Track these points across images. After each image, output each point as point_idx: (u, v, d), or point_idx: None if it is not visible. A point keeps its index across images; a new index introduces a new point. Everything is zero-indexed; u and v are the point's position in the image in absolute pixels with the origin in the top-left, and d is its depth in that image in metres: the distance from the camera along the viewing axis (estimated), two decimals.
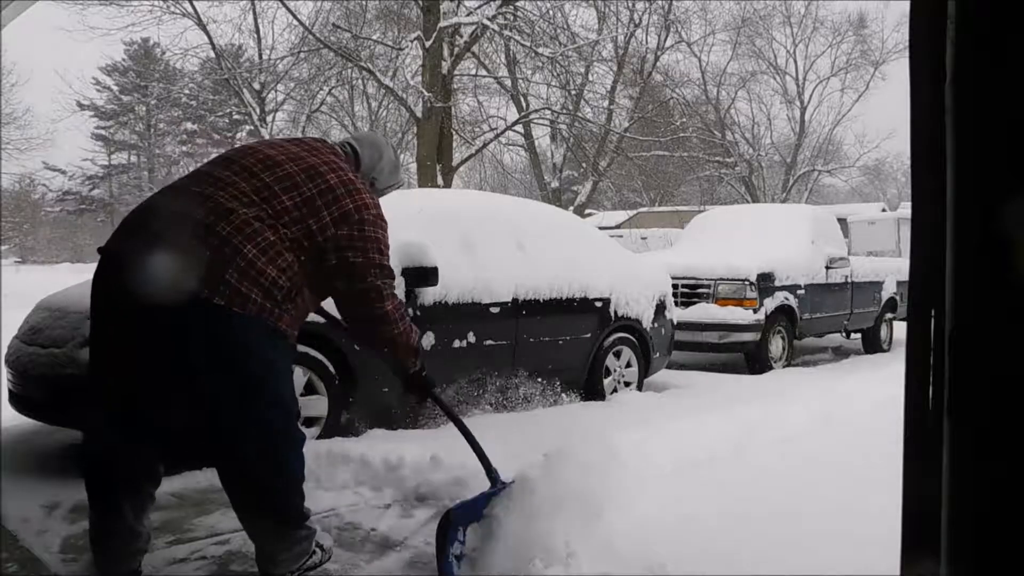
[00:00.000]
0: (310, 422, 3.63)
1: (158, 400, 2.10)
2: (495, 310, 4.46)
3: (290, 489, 2.19)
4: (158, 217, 2.12)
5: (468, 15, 12.63)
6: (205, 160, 2.20)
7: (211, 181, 2.13)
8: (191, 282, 1.95)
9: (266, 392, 2.10)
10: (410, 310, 4.01)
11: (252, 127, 21.62)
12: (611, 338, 5.25)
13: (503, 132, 16.02)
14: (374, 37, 14.97)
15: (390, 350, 2.37)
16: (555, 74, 14.51)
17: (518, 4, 13.27)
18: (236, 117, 29.68)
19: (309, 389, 3.61)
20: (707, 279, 7.15)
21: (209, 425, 2.12)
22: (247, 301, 1.99)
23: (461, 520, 2.28)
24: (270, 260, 2.05)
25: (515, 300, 4.59)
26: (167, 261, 1.97)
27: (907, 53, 1.06)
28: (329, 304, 2.40)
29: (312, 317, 2.61)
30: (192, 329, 1.99)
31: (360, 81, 20.72)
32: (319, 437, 3.60)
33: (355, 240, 2.17)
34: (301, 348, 3.52)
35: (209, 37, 17.55)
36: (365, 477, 3.24)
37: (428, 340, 4.08)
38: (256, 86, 20.21)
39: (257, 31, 19.89)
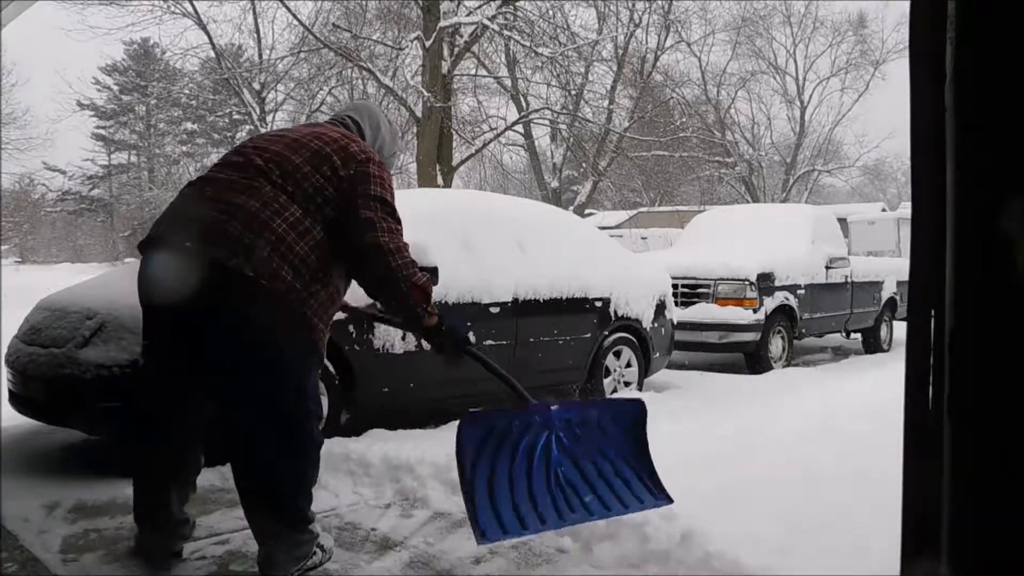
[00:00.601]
0: None
1: (195, 382, 2.20)
2: (495, 310, 4.46)
3: (299, 491, 2.22)
4: (189, 203, 2.19)
5: (468, 15, 12.63)
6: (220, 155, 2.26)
7: (236, 165, 2.19)
8: (223, 256, 2.01)
9: (288, 381, 2.13)
10: None
11: (252, 127, 21.62)
12: (611, 338, 5.25)
13: (503, 132, 16.02)
14: (374, 37, 14.97)
15: (405, 292, 2.21)
16: (555, 74, 14.52)
17: (518, 4, 13.27)
18: (236, 117, 29.68)
19: None
20: (707, 279, 7.14)
21: (230, 407, 2.20)
22: (276, 277, 2.04)
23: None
24: (300, 235, 2.09)
25: (515, 300, 4.59)
26: (198, 241, 2.04)
27: (907, 53, 1.06)
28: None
29: None
30: (222, 303, 2.04)
31: (360, 81, 20.69)
32: None
33: (365, 177, 2.21)
34: None
35: (209, 37, 17.56)
36: (365, 477, 3.24)
37: None
38: (256, 86, 20.21)
39: (257, 31, 19.91)
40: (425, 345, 4.04)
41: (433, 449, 3.27)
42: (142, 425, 2.38)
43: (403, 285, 2.20)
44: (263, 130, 19.94)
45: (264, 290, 2.02)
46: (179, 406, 2.26)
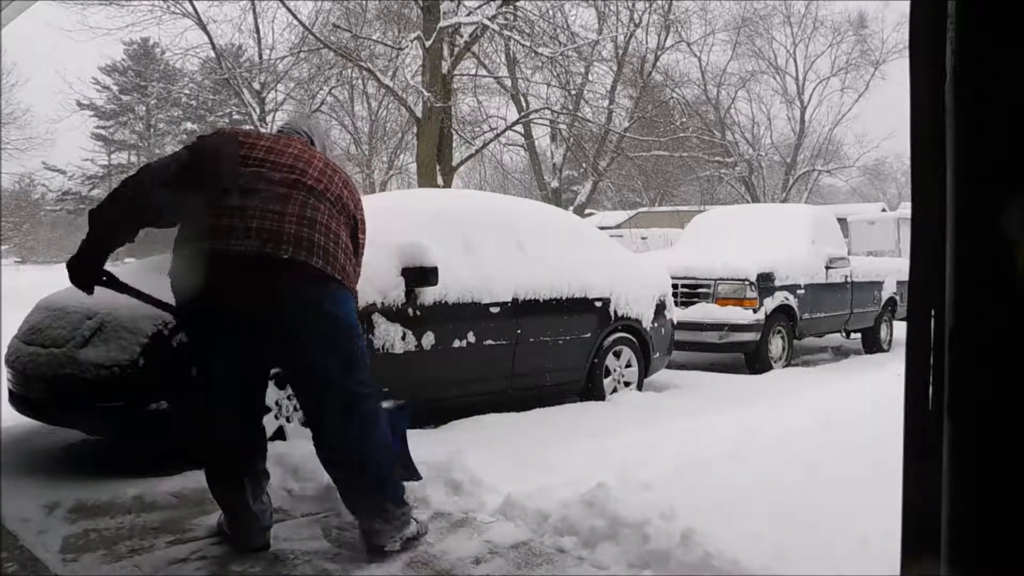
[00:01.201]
0: None
1: (258, 374, 2.46)
2: (495, 310, 4.46)
3: (389, 464, 2.46)
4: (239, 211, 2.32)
5: (468, 15, 12.62)
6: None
7: (272, 180, 2.38)
8: (276, 249, 2.25)
9: (355, 358, 2.38)
10: (410, 310, 4.02)
11: (252, 127, 21.60)
12: (611, 338, 5.25)
13: (503, 132, 16.02)
14: (374, 37, 14.96)
15: None
16: (555, 74, 14.51)
17: (518, 4, 13.26)
18: (236, 117, 29.69)
19: None
20: (707, 279, 7.15)
21: (309, 390, 2.39)
22: (336, 263, 2.35)
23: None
24: (335, 232, 2.40)
25: (515, 300, 4.58)
26: (255, 240, 2.25)
27: (907, 53, 1.06)
28: None
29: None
30: (287, 290, 2.27)
31: (360, 81, 20.71)
32: None
33: (363, 224, 2.62)
34: None
35: (209, 37, 17.56)
36: None
37: (428, 340, 4.08)
38: (256, 86, 20.21)
39: (257, 31, 19.89)
40: (425, 345, 4.06)
41: (433, 449, 3.27)
42: (201, 427, 2.50)
43: None
44: (263, 130, 19.90)
45: (321, 274, 2.30)
46: (243, 402, 2.44)
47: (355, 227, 2.55)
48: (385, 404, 2.82)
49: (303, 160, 2.47)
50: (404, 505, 2.48)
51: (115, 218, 2.37)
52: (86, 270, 2.40)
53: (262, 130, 18.55)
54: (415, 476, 3.04)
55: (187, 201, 2.33)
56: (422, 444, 3.42)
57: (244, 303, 2.26)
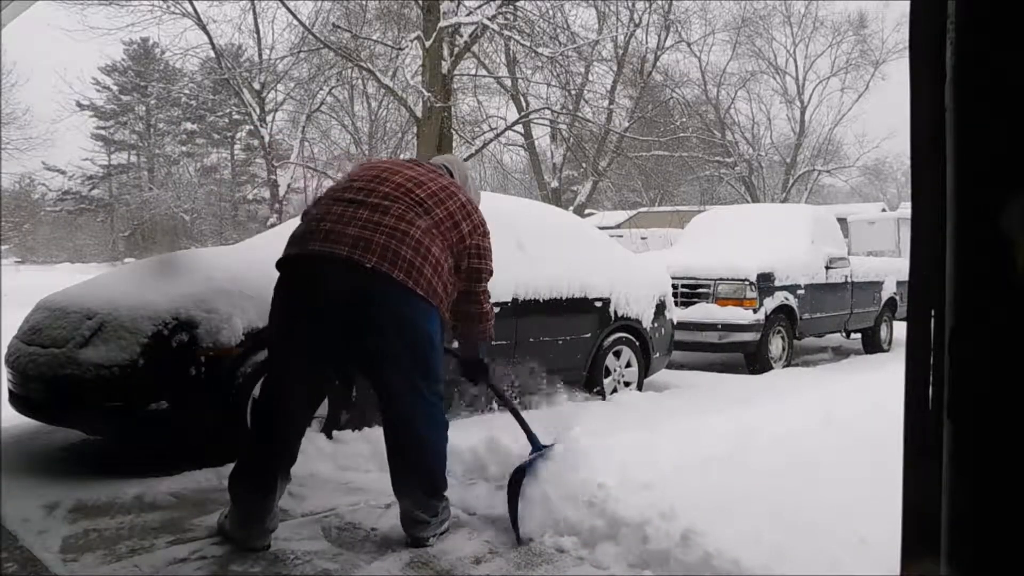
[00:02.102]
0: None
1: (324, 375, 2.63)
2: (495, 310, 4.45)
3: (442, 460, 2.61)
4: (343, 223, 2.46)
5: (468, 15, 12.61)
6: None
7: (378, 193, 2.53)
8: (368, 259, 2.37)
9: (429, 364, 2.51)
10: None
11: (252, 127, 21.63)
12: (611, 338, 5.25)
13: (503, 132, 16.01)
14: (374, 37, 14.96)
15: (478, 338, 2.91)
16: (555, 74, 14.49)
17: (518, 4, 13.25)
18: (236, 117, 29.70)
19: None
20: (707, 279, 7.15)
21: (385, 388, 2.52)
22: (420, 278, 2.44)
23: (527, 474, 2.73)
24: (427, 251, 2.49)
25: (515, 300, 4.58)
26: (346, 246, 2.39)
27: (907, 53, 1.06)
28: None
29: None
30: (374, 298, 2.40)
31: (360, 81, 20.70)
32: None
33: (481, 250, 2.72)
34: None
35: (209, 37, 17.59)
36: (365, 476, 3.23)
37: None
38: (256, 86, 20.22)
39: (257, 31, 19.92)
40: None
41: None
42: (262, 423, 2.59)
43: (484, 339, 2.94)
44: (263, 130, 19.97)
45: (402, 286, 2.40)
46: (306, 401, 2.59)
47: (465, 251, 2.65)
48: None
49: (422, 180, 2.61)
50: (446, 500, 2.64)
51: None
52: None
53: (262, 130, 18.56)
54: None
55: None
56: None
57: (329, 302, 2.41)
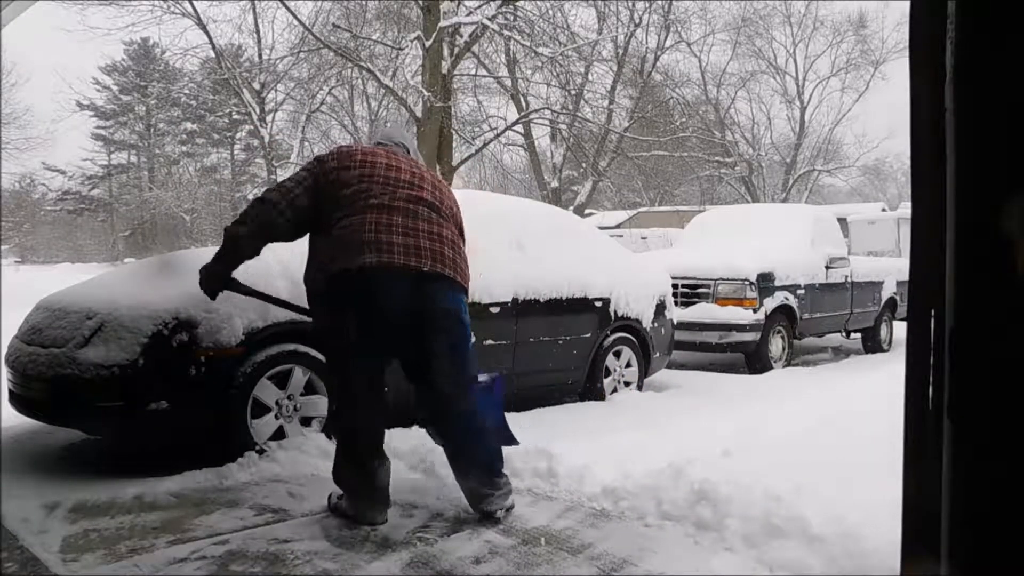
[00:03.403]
0: (309, 421, 3.63)
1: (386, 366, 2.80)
2: (495, 310, 4.46)
3: (493, 441, 2.87)
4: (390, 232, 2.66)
5: (468, 15, 12.62)
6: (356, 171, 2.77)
7: (410, 199, 2.74)
8: (419, 261, 2.63)
9: (468, 351, 2.79)
10: None
11: (252, 127, 21.63)
12: (611, 338, 5.25)
13: (503, 132, 16.01)
14: (374, 37, 14.96)
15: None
16: (555, 74, 14.50)
17: (518, 4, 13.26)
18: (236, 117, 29.68)
19: (309, 389, 3.61)
20: (707, 279, 7.15)
21: (443, 379, 2.70)
22: (456, 269, 2.73)
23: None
24: (455, 245, 2.79)
25: (515, 300, 4.58)
26: (397, 254, 2.61)
27: (907, 53, 1.06)
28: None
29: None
30: (425, 295, 2.64)
31: (360, 81, 20.71)
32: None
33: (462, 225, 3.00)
34: (301, 348, 3.54)
35: (209, 37, 17.59)
36: None
37: None
38: (256, 86, 20.22)
39: (257, 31, 19.92)
40: None
41: (428, 448, 3.26)
42: (348, 415, 2.78)
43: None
44: (263, 130, 19.96)
45: (450, 280, 2.70)
46: (382, 389, 2.77)
47: (461, 231, 2.94)
48: (481, 377, 3.09)
49: (417, 176, 2.83)
50: (505, 475, 2.81)
51: (247, 238, 2.74)
52: (216, 279, 2.86)
53: (262, 130, 18.55)
54: (513, 441, 3.29)
55: (317, 216, 2.70)
56: (418, 443, 3.42)
57: (388, 304, 2.61)
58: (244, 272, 2.92)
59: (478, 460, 2.76)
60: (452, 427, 2.78)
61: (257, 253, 2.82)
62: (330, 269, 2.63)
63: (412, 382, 2.82)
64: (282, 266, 3.52)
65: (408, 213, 2.70)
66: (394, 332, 2.66)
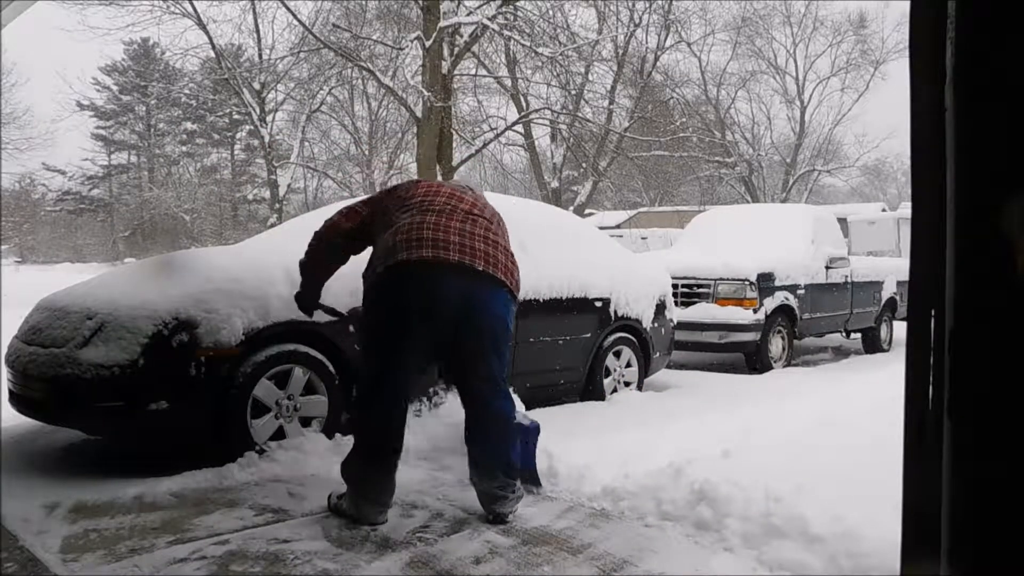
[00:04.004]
0: (309, 421, 3.63)
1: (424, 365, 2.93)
2: None
3: (515, 445, 2.94)
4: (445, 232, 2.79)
5: (468, 15, 12.61)
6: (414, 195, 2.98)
7: (459, 204, 2.91)
8: (472, 261, 2.75)
9: (506, 357, 2.89)
10: None
11: (252, 127, 21.64)
12: (611, 338, 5.25)
13: (503, 132, 16.00)
14: (374, 37, 14.96)
15: None
16: (555, 74, 14.49)
17: (518, 4, 13.26)
18: (236, 117, 29.73)
19: (309, 389, 3.61)
20: (707, 279, 7.15)
21: (480, 379, 2.80)
22: (509, 275, 2.85)
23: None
24: (508, 252, 2.92)
25: None
26: (453, 253, 2.73)
27: (907, 53, 1.06)
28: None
29: (317, 315, 3.39)
30: (476, 294, 2.75)
31: (360, 81, 20.72)
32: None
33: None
34: (301, 348, 3.54)
35: (209, 37, 17.60)
36: None
37: None
38: (256, 86, 20.23)
39: (257, 31, 19.92)
40: None
41: (428, 449, 3.27)
42: (377, 411, 2.81)
43: None
44: (263, 130, 19.97)
45: (499, 282, 2.80)
46: (407, 391, 2.82)
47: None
48: (521, 417, 3.12)
49: (478, 205, 3.01)
50: (518, 481, 2.88)
51: (315, 266, 3.15)
52: (309, 302, 3.26)
53: (262, 130, 18.50)
54: (538, 483, 3.17)
55: (379, 231, 2.89)
56: (419, 443, 3.42)
57: (440, 298, 2.71)
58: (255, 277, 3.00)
59: (503, 464, 2.81)
60: (487, 428, 2.83)
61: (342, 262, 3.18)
62: (388, 261, 2.73)
63: (453, 382, 2.93)
64: (285, 271, 3.52)
65: (466, 220, 2.86)
66: (440, 327, 2.72)
